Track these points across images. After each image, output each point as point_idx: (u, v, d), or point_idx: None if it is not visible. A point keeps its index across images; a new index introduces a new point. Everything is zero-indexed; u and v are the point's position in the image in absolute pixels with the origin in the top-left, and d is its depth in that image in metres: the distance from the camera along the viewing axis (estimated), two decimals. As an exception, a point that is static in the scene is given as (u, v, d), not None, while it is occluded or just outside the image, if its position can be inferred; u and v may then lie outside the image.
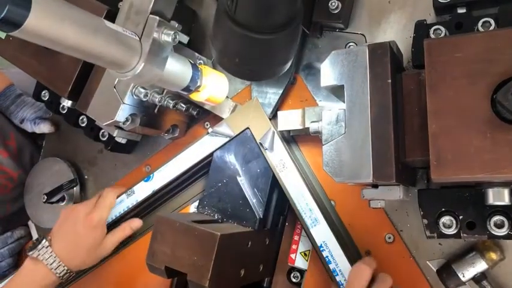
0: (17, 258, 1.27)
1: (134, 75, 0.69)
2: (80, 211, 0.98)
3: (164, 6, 0.72)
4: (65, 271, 0.95)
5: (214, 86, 0.88)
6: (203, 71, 0.86)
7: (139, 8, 0.71)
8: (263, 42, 0.62)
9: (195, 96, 0.88)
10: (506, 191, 0.65)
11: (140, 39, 0.70)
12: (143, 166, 1.09)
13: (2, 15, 0.48)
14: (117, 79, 0.85)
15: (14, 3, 0.48)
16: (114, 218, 1.05)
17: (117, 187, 1.05)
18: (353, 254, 0.85)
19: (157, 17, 0.70)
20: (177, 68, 0.79)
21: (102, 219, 0.98)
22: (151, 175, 1.03)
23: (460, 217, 0.72)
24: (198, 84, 0.84)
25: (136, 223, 1.04)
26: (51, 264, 0.93)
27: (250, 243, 0.85)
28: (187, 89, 0.83)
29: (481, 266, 0.75)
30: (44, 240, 0.95)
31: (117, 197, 1.03)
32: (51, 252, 0.94)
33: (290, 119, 0.86)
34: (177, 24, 0.81)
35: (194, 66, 0.83)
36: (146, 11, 0.71)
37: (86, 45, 0.60)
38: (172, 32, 0.71)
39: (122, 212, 1.05)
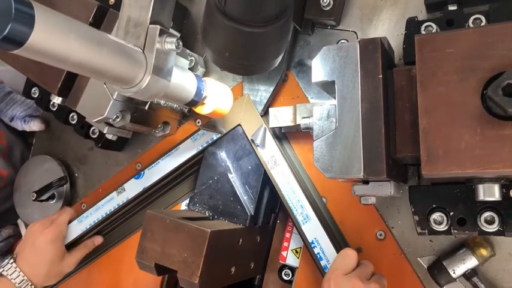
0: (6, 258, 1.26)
1: (140, 89, 0.66)
2: (38, 227, 1.03)
3: (162, 15, 0.70)
4: (29, 286, 0.99)
5: (218, 98, 0.85)
6: (206, 82, 0.84)
7: (138, 20, 0.69)
8: (254, 35, 0.61)
9: (200, 110, 0.85)
10: (496, 187, 0.65)
11: (143, 51, 0.68)
12: (134, 163, 1.09)
13: (3, 34, 0.45)
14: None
15: (16, 21, 0.46)
16: (104, 215, 1.05)
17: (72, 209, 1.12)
18: (344, 251, 0.84)
19: (158, 26, 0.68)
20: (182, 80, 0.77)
21: (59, 233, 1.04)
22: (142, 172, 1.02)
23: (451, 213, 0.72)
24: (204, 95, 0.82)
25: (98, 240, 1.10)
26: (15, 279, 0.97)
27: (241, 240, 0.84)
28: (193, 102, 0.81)
29: (471, 262, 0.75)
30: (10, 257, 1.00)
31: (70, 222, 1.09)
32: (15, 268, 0.98)
33: (282, 116, 0.86)
34: (172, 23, 0.80)
35: (198, 77, 0.82)
36: (145, 22, 0.69)
37: (91, 61, 0.58)
38: (175, 39, 0.69)
39: (112, 209, 1.04)
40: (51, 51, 0.52)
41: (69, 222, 1.09)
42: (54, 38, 0.51)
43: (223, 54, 0.66)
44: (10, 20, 0.45)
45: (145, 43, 0.69)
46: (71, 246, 1.08)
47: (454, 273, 0.76)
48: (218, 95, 0.85)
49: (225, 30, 0.61)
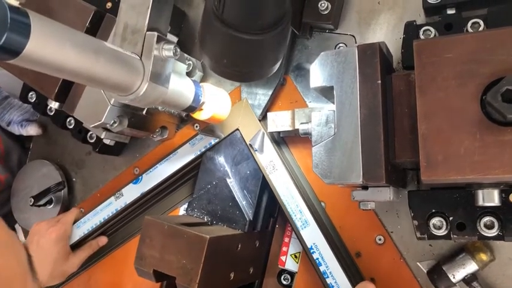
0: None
1: (138, 96, 0.66)
2: (43, 227, 1.03)
3: (160, 21, 0.70)
4: None
5: (216, 103, 0.85)
6: (203, 88, 0.83)
7: (135, 27, 0.69)
8: (251, 42, 0.61)
9: (198, 116, 0.85)
10: (495, 192, 0.64)
11: (141, 58, 0.67)
12: (132, 168, 1.08)
13: None
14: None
15: (12, 31, 0.45)
16: (102, 220, 1.05)
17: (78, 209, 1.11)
18: (343, 256, 0.84)
19: (156, 33, 0.68)
20: (180, 86, 0.77)
21: (64, 233, 1.03)
22: (140, 177, 1.02)
23: (450, 218, 0.72)
24: (202, 101, 0.82)
25: (103, 240, 1.09)
26: None
27: (240, 245, 0.84)
28: (191, 108, 0.81)
29: (471, 267, 0.75)
30: None
31: (76, 221, 1.08)
32: None
33: (280, 121, 0.85)
34: (169, 28, 0.79)
35: (195, 83, 0.81)
36: (142, 28, 0.68)
37: (88, 69, 0.57)
38: (173, 46, 0.69)
39: (111, 214, 1.04)
40: (48, 61, 0.52)
41: (75, 222, 1.08)
42: (50, 48, 0.51)
43: (221, 61, 0.66)
44: (6, 29, 0.45)
45: (142, 50, 0.68)
46: (74, 247, 1.07)
47: (453, 278, 0.76)
48: (216, 100, 0.84)
49: (222, 37, 0.61)
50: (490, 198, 0.65)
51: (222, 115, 0.87)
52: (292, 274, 0.92)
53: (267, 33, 0.60)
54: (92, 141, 1.05)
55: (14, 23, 0.45)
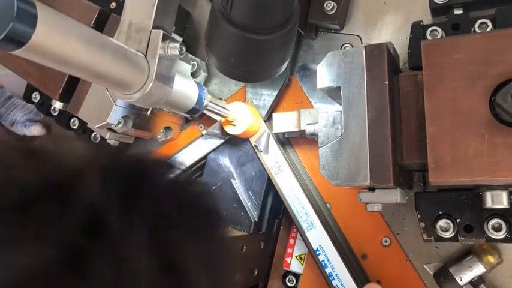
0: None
1: (142, 95, 0.65)
2: None
3: (165, 20, 0.69)
4: None
5: (250, 119, 0.87)
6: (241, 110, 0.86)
7: (140, 25, 0.68)
8: (259, 42, 0.60)
9: (232, 131, 0.88)
10: (504, 194, 0.64)
11: (145, 56, 0.66)
12: (136, 169, 1.07)
13: (4, 33, 0.44)
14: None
15: (18, 20, 0.44)
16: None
17: None
18: (349, 258, 0.84)
19: (161, 31, 0.67)
20: (184, 87, 0.76)
21: None
22: (144, 178, 1.01)
23: (458, 220, 0.71)
24: (205, 104, 0.81)
25: None
26: None
27: (244, 247, 0.84)
28: (194, 110, 0.80)
29: (478, 269, 0.74)
30: None
31: None
32: None
33: (285, 121, 0.85)
34: (174, 28, 0.79)
35: (199, 85, 0.81)
36: (148, 26, 0.67)
37: (93, 64, 0.56)
38: (178, 44, 0.67)
39: (114, 215, 1.03)
40: (53, 53, 0.51)
41: None
42: (56, 39, 0.50)
43: (228, 61, 0.65)
44: (12, 19, 0.44)
45: (147, 48, 0.67)
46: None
47: (460, 280, 0.75)
48: (249, 116, 0.87)
49: (230, 37, 0.61)
50: (499, 200, 0.64)
51: (256, 125, 0.90)
52: (297, 276, 0.92)
53: (275, 33, 0.60)
54: (96, 141, 1.04)
55: (21, 12, 0.45)
